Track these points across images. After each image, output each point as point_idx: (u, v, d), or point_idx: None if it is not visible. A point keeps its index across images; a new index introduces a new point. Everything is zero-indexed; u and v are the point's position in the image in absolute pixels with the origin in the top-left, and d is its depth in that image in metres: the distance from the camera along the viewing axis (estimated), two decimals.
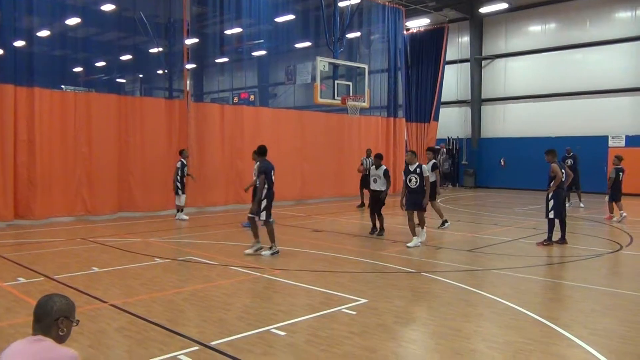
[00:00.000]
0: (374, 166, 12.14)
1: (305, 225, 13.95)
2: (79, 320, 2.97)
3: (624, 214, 14.25)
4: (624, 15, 22.99)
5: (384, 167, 11.99)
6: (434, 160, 13.20)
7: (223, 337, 5.35)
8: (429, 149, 14.02)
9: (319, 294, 7.09)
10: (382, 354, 4.95)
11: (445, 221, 13.24)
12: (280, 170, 18.82)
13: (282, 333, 5.48)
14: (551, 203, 10.52)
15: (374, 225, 12.15)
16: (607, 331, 5.59)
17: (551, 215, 10.54)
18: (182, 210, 14.78)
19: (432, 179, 13.19)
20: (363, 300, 6.68)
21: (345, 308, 6.36)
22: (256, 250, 9.75)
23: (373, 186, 11.99)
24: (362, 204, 17.76)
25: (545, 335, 5.48)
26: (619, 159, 14.56)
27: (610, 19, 23.27)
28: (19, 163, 13.52)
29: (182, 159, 14.59)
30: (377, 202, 11.91)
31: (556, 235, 10.77)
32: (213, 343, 5.16)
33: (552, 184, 10.49)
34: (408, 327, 5.92)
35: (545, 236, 10.71)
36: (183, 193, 14.62)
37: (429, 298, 7.02)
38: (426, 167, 10.83)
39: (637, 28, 22.44)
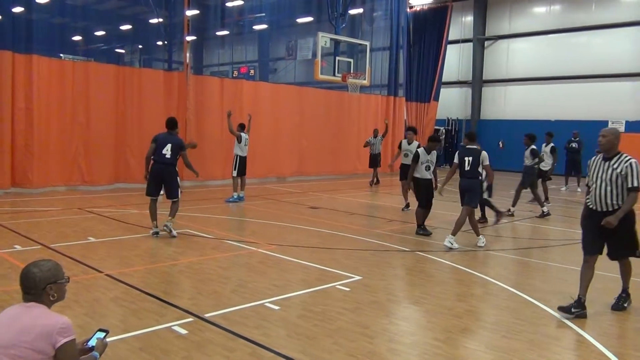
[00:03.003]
0: (422, 149, 10.06)
1: (301, 201, 13.97)
2: (69, 277, 2.98)
3: None
4: None
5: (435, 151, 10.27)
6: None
7: (217, 309, 5.39)
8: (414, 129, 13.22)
9: (314, 269, 7.13)
10: (374, 330, 5.00)
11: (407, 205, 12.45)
12: (278, 146, 19.07)
13: (276, 307, 5.53)
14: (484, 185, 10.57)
15: (422, 223, 10.05)
16: (598, 314, 5.64)
17: (485, 195, 10.70)
18: None
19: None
20: (357, 277, 6.73)
21: (339, 284, 6.41)
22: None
23: (423, 174, 9.97)
24: (374, 181, 17.89)
25: (536, 316, 5.54)
26: None
27: (616, 2, 22.97)
28: (17, 131, 13.43)
29: None
30: (429, 192, 10.07)
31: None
32: (207, 315, 5.20)
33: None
34: (401, 305, 5.98)
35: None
36: None
37: (423, 277, 7.07)
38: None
39: None
